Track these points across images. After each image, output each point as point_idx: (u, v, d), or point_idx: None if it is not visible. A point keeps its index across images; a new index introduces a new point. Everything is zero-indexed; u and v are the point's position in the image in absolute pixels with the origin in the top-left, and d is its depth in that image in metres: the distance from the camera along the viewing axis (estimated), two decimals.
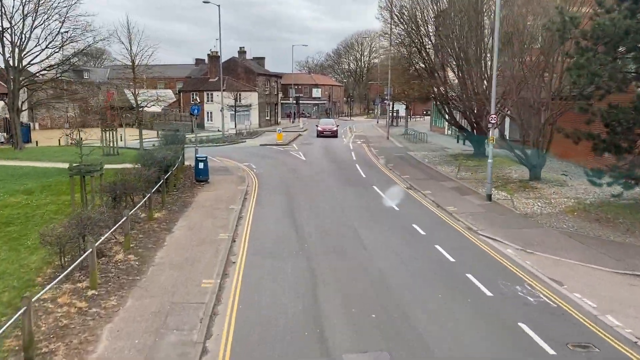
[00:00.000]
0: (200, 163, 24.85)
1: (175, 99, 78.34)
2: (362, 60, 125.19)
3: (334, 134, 51.15)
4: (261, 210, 19.66)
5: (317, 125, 53.98)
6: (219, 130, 69.37)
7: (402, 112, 71.83)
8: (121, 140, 41.09)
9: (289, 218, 18.67)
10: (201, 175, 24.87)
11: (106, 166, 20.53)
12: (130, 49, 29.25)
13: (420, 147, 39.81)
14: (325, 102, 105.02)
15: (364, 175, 27.81)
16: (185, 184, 24.58)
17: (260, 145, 43.98)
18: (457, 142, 42.07)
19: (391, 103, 54.31)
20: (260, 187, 24.39)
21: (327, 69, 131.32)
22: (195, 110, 30.76)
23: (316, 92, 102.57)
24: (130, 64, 30.64)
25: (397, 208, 20.17)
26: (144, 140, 37.40)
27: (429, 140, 44.20)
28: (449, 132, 50.28)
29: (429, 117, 78.33)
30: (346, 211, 19.58)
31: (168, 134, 32.83)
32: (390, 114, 69.79)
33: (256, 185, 24.73)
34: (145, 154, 22.88)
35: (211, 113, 69.12)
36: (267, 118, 76.44)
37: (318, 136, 50.73)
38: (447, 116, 33.89)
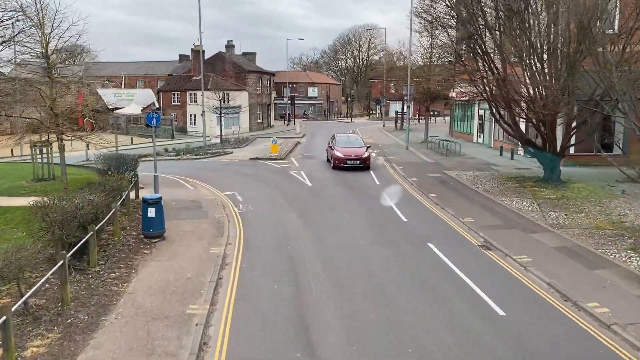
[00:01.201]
0: (150, 208, 15.22)
1: (154, 100, 68.52)
2: (360, 57, 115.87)
3: (363, 163, 28.93)
4: (246, 321, 10.24)
5: (331, 146, 31.53)
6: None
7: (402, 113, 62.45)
8: (90, 150, 31.38)
9: (300, 341, 9.31)
10: (152, 229, 15.29)
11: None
12: (41, 26, 19.43)
13: (458, 164, 30.44)
14: (322, 101, 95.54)
15: (404, 218, 18.34)
16: (127, 242, 15.09)
17: (251, 159, 34.49)
18: (500, 155, 32.78)
19: (405, 104, 44.74)
20: (247, 249, 14.89)
21: (322, 66, 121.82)
22: (154, 120, 21.20)
23: (312, 91, 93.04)
24: (42, 50, 20.76)
25: (502, 312, 10.70)
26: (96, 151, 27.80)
27: (463, 151, 34.82)
28: (479, 139, 41.01)
29: (438, 118, 69.04)
30: (406, 326, 10.12)
31: (110, 156, 23.35)
32: (401, 115, 60.45)
33: (240, 245, 15.23)
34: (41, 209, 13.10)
35: (195, 116, 59.46)
36: (258, 121, 66.89)
37: (335, 167, 29.08)
38: (505, 124, 24.45)
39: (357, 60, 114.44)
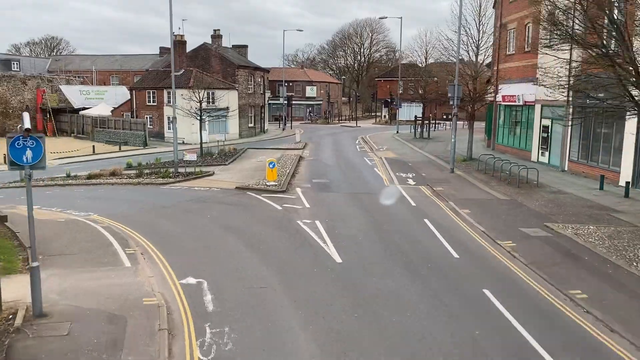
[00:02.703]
0: None
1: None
2: (362, 54, 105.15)
3: None
4: None
5: None
6: (183, 142, 48.85)
7: (401, 114, 51.35)
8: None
9: None
10: None
11: None
12: None
13: (551, 205, 19.50)
14: (321, 102, 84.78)
15: None
16: None
17: (237, 189, 23.69)
18: (601, 188, 22.20)
19: (453, 108, 34.25)
20: None
21: (318, 64, 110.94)
22: (27, 154, 10.09)
23: (310, 91, 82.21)
24: None
25: None
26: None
27: (540, 179, 24.07)
28: (541, 157, 30.47)
29: (460, 122, 58.45)
30: None
31: None
32: (421, 121, 49.84)
33: None
34: None
35: (175, 119, 48.37)
36: (250, 125, 56.03)
37: None
38: None
39: (359, 57, 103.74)
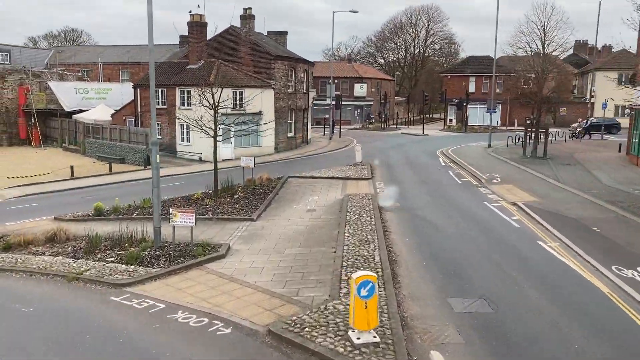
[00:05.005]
0: None
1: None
2: (416, 45, 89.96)
3: None
4: None
5: None
6: (200, 159, 35.26)
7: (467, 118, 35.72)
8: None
9: None
10: None
11: None
12: None
13: None
14: (370, 102, 70.27)
15: None
16: None
17: (271, 335, 9.48)
18: None
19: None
20: None
21: (364, 58, 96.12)
22: None
23: (360, 89, 67.73)
24: None
25: None
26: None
27: None
28: None
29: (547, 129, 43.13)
30: None
31: None
32: (533, 129, 34.75)
33: None
34: None
35: (188, 127, 34.94)
36: (289, 134, 42.05)
37: None
38: None
39: (413, 49, 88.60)
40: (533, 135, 34.39)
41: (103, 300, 11.65)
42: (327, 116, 61.62)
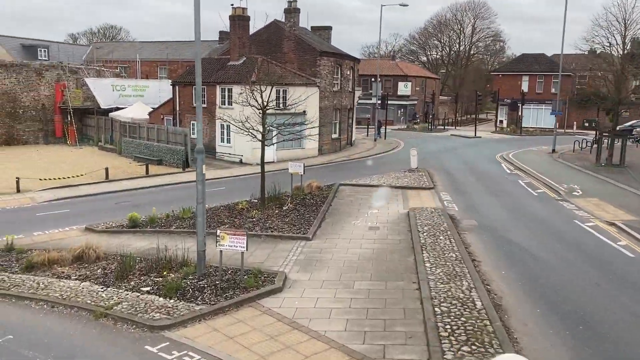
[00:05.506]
0: None
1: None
2: (461, 43, 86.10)
3: None
4: None
5: None
6: (241, 162, 33.01)
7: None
8: None
9: None
10: None
11: None
12: None
13: None
14: (415, 101, 67.01)
15: None
16: None
17: None
18: None
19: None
20: None
21: (405, 56, 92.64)
22: None
23: (404, 88, 64.54)
24: None
25: None
26: None
27: None
28: None
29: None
30: None
31: None
32: (611, 137, 31.19)
33: None
34: None
35: (228, 127, 32.76)
36: (334, 136, 39.41)
37: None
38: None
39: (459, 46, 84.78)
40: (607, 140, 30.78)
41: (136, 351, 9.27)
42: (368, 116, 58.82)
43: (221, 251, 12.15)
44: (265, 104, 19.24)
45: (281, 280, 11.95)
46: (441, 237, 14.82)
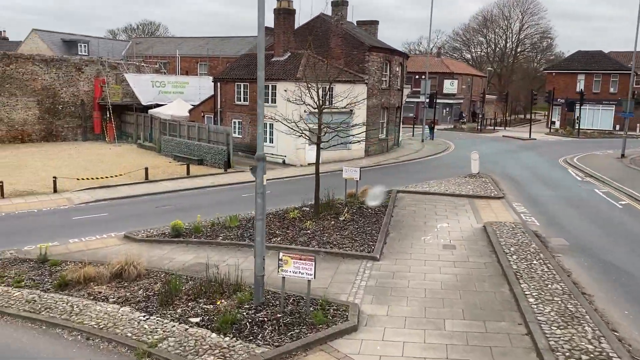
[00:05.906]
0: None
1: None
2: (507, 39, 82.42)
3: None
4: None
5: None
6: (284, 162, 31.22)
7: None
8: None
9: None
10: None
11: None
12: None
13: None
14: (460, 100, 64.12)
15: None
16: None
17: None
18: None
19: None
20: None
21: (447, 53, 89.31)
22: None
23: (450, 86, 61.76)
24: None
25: None
26: None
27: None
28: None
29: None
30: None
31: None
32: None
33: None
34: None
35: (271, 126, 31.03)
36: (381, 136, 37.22)
37: None
38: None
39: (506, 43, 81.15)
40: None
41: None
42: (412, 115, 56.28)
43: (284, 277, 10.21)
44: (321, 102, 17.29)
45: (355, 316, 9.93)
46: (535, 262, 12.54)
